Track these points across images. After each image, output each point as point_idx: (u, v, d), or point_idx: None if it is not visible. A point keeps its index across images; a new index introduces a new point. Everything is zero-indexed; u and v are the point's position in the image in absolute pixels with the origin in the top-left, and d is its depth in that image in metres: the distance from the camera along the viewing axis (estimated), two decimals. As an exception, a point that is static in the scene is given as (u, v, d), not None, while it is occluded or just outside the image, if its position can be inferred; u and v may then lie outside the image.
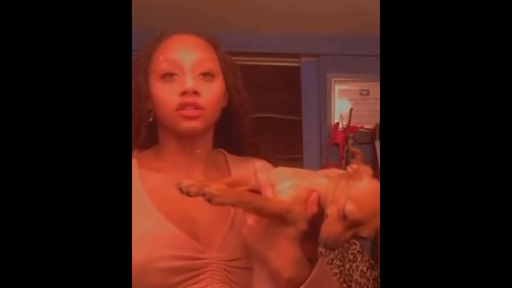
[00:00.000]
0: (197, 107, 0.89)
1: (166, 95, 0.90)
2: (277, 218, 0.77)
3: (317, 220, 0.78)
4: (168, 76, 0.91)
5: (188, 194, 0.74)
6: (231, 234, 0.89)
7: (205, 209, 0.88)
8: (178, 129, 0.91)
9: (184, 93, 0.89)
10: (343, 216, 0.72)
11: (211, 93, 0.92)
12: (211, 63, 0.93)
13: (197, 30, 0.98)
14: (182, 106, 0.89)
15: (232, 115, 0.98)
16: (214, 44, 0.97)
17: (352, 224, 0.72)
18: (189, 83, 0.89)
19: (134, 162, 0.93)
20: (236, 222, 0.90)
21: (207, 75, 0.92)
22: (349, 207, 0.72)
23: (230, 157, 1.02)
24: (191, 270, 0.85)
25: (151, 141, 0.98)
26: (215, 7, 2.17)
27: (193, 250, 0.86)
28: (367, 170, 0.75)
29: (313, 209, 0.78)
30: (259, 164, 0.86)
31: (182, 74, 0.90)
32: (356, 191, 0.73)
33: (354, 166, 0.76)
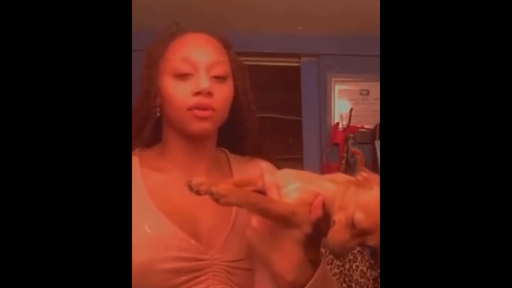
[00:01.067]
0: (210, 108, 0.89)
1: (179, 93, 0.90)
2: (281, 220, 0.77)
3: (321, 224, 0.78)
4: (183, 75, 0.90)
5: (198, 193, 0.73)
6: (233, 235, 0.89)
7: (206, 210, 0.88)
8: (188, 130, 0.90)
9: (198, 93, 0.88)
10: (352, 224, 0.72)
11: (223, 95, 0.92)
12: (224, 66, 0.93)
13: (204, 29, 0.97)
14: (196, 106, 0.88)
15: (237, 116, 0.98)
16: (226, 44, 0.97)
17: (360, 232, 0.72)
18: (204, 83, 0.89)
19: (136, 161, 0.93)
20: (238, 223, 0.89)
21: (220, 78, 0.92)
22: (359, 216, 0.72)
23: (232, 157, 1.02)
24: (192, 271, 0.84)
25: (154, 139, 0.98)
26: (215, 7, 2.17)
27: (195, 251, 0.85)
28: (377, 179, 0.75)
29: (318, 212, 0.78)
30: (265, 165, 0.86)
31: (196, 74, 0.90)
32: (366, 200, 0.73)
33: (364, 174, 0.76)
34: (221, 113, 0.92)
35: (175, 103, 0.90)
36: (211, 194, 0.72)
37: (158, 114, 0.94)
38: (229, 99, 0.94)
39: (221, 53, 0.94)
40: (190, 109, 0.89)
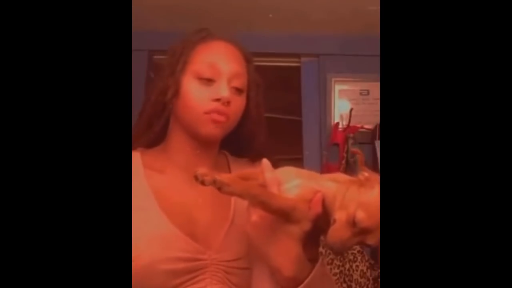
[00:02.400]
0: (225, 115, 0.91)
1: (198, 96, 0.91)
2: (281, 215, 0.78)
3: (320, 221, 0.78)
4: (205, 79, 0.92)
5: (203, 183, 0.74)
6: (230, 235, 0.89)
7: (204, 210, 0.89)
8: (199, 132, 0.92)
9: (218, 99, 0.90)
10: (353, 223, 0.72)
11: (237, 106, 0.94)
12: (243, 79, 0.96)
13: (231, 39, 1.00)
14: (213, 111, 0.90)
15: (245, 129, 0.99)
16: (247, 59, 1.00)
17: (360, 231, 0.73)
18: (225, 92, 0.91)
19: (139, 162, 0.94)
20: (236, 222, 0.90)
21: (237, 90, 0.94)
22: (360, 215, 0.72)
23: (232, 159, 1.03)
24: (191, 271, 0.85)
25: (158, 139, 0.98)
26: (215, 7, 2.17)
27: (194, 252, 0.86)
28: (378, 179, 0.75)
29: (317, 209, 0.78)
30: (265, 162, 0.86)
31: (218, 81, 0.92)
32: (367, 199, 0.73)
33: (366, 174, 0.76)
34: (232, 121, 0.94)
35: (192, 104, 0.91)
36: (214, 182, 0.73)
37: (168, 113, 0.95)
38: (241, 112, 0.96)
39: (242, 66, 0.97)
40: (207, 112, 0.90)
